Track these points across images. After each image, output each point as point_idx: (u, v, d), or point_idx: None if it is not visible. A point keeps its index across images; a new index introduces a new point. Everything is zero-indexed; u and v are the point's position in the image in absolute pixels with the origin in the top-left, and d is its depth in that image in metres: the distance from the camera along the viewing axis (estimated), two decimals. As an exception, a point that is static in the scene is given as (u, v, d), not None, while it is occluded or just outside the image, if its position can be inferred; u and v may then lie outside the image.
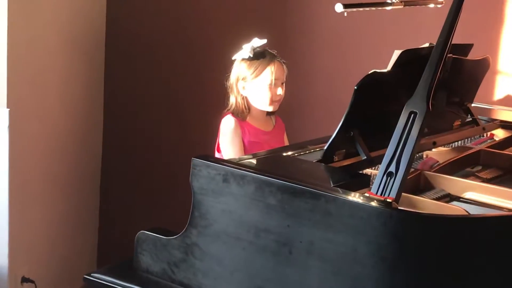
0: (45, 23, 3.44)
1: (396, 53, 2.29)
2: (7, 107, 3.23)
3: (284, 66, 2.75)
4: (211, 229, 2.03)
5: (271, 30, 3.64)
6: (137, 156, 4.07)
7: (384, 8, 2.56)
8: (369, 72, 2.19)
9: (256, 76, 2.71)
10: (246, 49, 2.71)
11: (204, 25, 3.78)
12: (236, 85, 2.74)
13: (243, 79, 2.73)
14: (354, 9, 2.41)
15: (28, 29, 3.31)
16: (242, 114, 2.74)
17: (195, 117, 3.81)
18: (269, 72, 2.70)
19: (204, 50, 3.65)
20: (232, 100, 2.75)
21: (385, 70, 2.26)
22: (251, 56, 2.71)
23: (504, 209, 2.12)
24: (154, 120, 4.00)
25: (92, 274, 2.26)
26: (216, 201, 2.02)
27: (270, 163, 2.21)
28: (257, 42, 2.72)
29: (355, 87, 2.15)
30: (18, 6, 3.21)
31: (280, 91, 2.72)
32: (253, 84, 2.72)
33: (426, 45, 2.46)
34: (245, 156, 2.28)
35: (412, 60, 2.29)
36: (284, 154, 2.31)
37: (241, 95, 2.74)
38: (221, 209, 2.01)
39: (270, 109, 2.75)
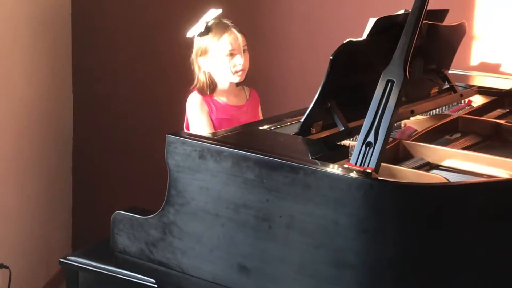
0: (7, 5, 3.36)
1: (371, 21, 2.25)
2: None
3: (240, 35, 2.68)
4: (189, 206, 2.00)
5: (242, 1, 3.60)
6: (109, 135, 4.01)
7: (357, -25, 2.53)
8: (345, 41, 2.15)
9: (213, 48, 2.66)
10: (200, 24, 2.67)
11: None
12: (197, 61, 2.70)
13: (201, 54, 2.69)
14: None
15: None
16: (209, 89, 2.69)
17: (167, 93, 3.76)
18: (225, 42, 2.65)
19: (171, 25, 3.58)
20: (198, 77, 2.71)
21: (360, 39, 2.23)
22: (204, 30, 2.67)
23: (484, 176, 2.11)
24: (125, 98, 3.94)
25: (68, 258, 2.23)
26: (193, 178, 1.98)
27: (247, 138, 2.17)
28: (211, 14, 2.67)
29: (331, 57, 2.11)
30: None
31: (239, 60, 2.67)
32: (212, 58, 2.68)
33: (401, 11, 2.42)
34: (221, 131, 2.24)
35: (387, 28, 2.26)
36: (261, 128, 2.27)
37: (203, 71, 2.70)
38: (199, 186, 1.97)
39: (234, 79, 2.70)
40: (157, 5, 3.78)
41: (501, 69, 3.22)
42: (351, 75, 2.23)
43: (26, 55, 3.54)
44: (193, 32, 2.69)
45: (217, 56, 2.66)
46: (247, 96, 2.80)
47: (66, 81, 3.89)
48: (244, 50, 2.68)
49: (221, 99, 2.71)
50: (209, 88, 2.69)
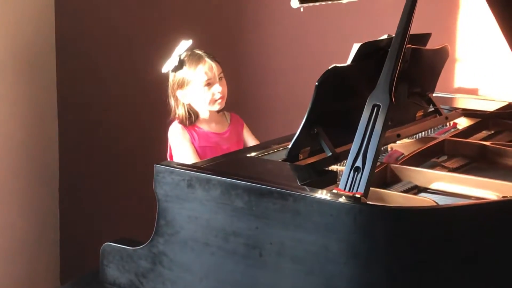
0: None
1: (355, 47, 2.27)
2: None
3: (214, 63, 2.70)
4: (178, 236, 1.99)
5: (226, 29, 3.62)
6: (96, 166, 4.00)
7: (340, 1, 2.55)
8: (330, 67, 2.16)
9: (190, 81, 2.68)
10: (173, 58, 2.69)
11: (157, 25, 3.73)
12: (175, 94, 2.71)
13: (178, 87, 2.70)
14: (311, 4, 2.38)
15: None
16: (189, 121, 2.71)
17: (153, 123, 3.75)
18: (201, 73, 2.67)
19: (154, 57, 3.60)
20: (177, 110, 2.72)
21: (345, 64, 2.24)
22: (178, 64, 2.69)
23: (472, 198, 2.11)
24: (111, 131, 3.94)
25: (57, 291, 2.20)
26: (181, 207, 1.97)
27: (235, 166, 2.17)
28: (182, 46, 2.69)
29: (316, 83, 2.12)
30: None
31: (217, 88, 2.68)
32: (190, 89, 2.69)
33: (385, 36, 2.44)
34: (209, 160, 2.24)
35: (371, 53, 2.27)
36: (248, 155, 2.27)
37: (183, 103, 2.70)
38: (187, 215, 1.97)
39: (214, 108, 2.71)
40: (139, 38, 3.80)
41: (485, 91, 3.24)
42: (337, 100, 2.24)
43: (9, 86, 3.53)
44: (167, 67, 2.70)
45: (195, 88, 2.68)
46: (228, 121, 2.81)
47: (51, 114, 3.88)
48: (220, 78, 2.70)
49: (203, 127, 2.72)
50: (189, 120, 2.70)
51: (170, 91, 2.73)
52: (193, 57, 2.69)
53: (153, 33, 3.73)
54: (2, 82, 3.47)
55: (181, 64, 2.69)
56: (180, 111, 2.71)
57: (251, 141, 2.82)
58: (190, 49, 2.71)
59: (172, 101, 2.74)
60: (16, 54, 3.55)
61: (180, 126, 2.70)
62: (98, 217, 4.03)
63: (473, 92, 3.26)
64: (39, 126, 3.78)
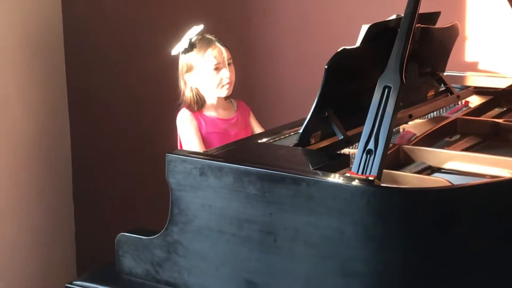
0: (0, 32, 3.36)
1: (364, 28, 2.25)
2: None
3: (224, 48, 2.69)
4: (192, 225, 1.98)
5: (234, 13, 3.60)
6: (108, 157, 4.01)
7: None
8: (339, 50, 2.15)
9: (198, 64, 2.68)
10: (183, 41, 2.69)
11: (164, 14, 3.72)
12: (183, 78, 2.72)
13: (187, 70, 2.70)
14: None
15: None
16: (196, 105, 2.70)
17: (164, 111, 3.75)
18: (210, 57, 2.67)
19: (161, 44, 3.59)
20: (184, 93, 2.72)
21: (354, 46, 2.22)
22: (188, 46, 2.68)
23: (486, 176, 2.10)
24: (122, 120, 3.94)
25: (73, 282, 2.21)
26: (195, 196, 1.97)
27: (247, 152, 2.16)
28: (193, 31, 2.70)
29: (326, 66, 2.11)
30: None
31: (225, 73, 2.68)
32: (198, 73, 2.69)
33: (394, 16, 2.42)
34: (220, 147, 2.24)
35: (380, 34, 2.25)
36: (260, 141, 2.26)
37: (191, 87, 2.70)
38: (201, 203, 1.96)
39: (221, 94, 2.71)
40: (146, 24, 3.79)
41: (496, 68, 3.22)
42: (347, 83, 2.23)
43: (20, 83, 3.54)
44: (177, 49, 2.70)
45: (203, 71, 2.67)
46: (236, 108, 2.81)
47: (62, 106, 3.88)
48: (229, 64, 2.70)
49: (210, 113, 2.72)
50: (197, 104, 2.70)
51: (179, 74, 2.73)
52: (203, 41, 2.69)
53: (163, 20, 3.72)
54: (12, 74, 3.48)
55: (191, 47, 2.69)
56: (188, 95, 2.71)
57: (257, 129, 2.82)
58: (201, 34, 2.71)
59: (181, 84, 2.74)
60: (24, 45, 3.55)
61: (188, 113, 2.69)
62: (112, 208, 4.04)
63: (484, 69, 3.23)
64: (50, 119, 3.78)
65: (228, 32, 2.89)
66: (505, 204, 1.82)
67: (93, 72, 3.95)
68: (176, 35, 2.73)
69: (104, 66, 3.93)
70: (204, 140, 2.67)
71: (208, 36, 2.71)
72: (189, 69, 2.70)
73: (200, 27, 2.69)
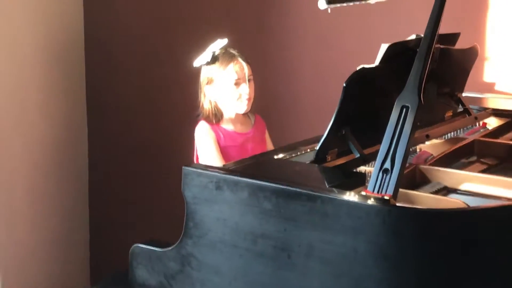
0: (21, 38, 3.40)
1: (383, 47, 2.25)
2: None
3: (245, 64, 2.71)
4: (207, 238, 1.99)
5: (255, 27, 3.62)
6: (125, 167, 4.02)
7: (368, 2, 2.53)
8: (357, 68, 2.15)
9: (219, 78, 2.69)
10: (206, 53, 2.71)
11: (186, 26, 3.74)
12: (203, 90, 2.73)
13: (208, 83, 2.72)
14: (338, 5, 2.37)
15: (4, 46, 3.26)
16: (215, 118, 2.72)
17: (181, 123, 3.77)
18: (231, 72, 2.68)
19: (181, 55, 3.61)
20: (202, 105, 2.74)
21: (373, 65, 2.23)
22: (210, 60, 2.70)
23: (503, 199, 2.09)
24: (140, 129, 3.96)
25: (87, 292, 2.22)
26: (210, 209, 1.97)
27: (263, 167, 2.17)
28: (217, 44, 2.71)
29: (344, 84, 2.11)
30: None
31: (245, 89, 2.69)
32: (218, 87, 2.71)
33: (413, 36, 2.42)
34: (236, 162, 2.24)
35: (399, 53, 2.26)
36: (276, 157, 2.26)
37: (210, 99, 2.72)
38: (216, 217, 1.97)
39: (240, 109, 2.72)
40: (167, 36, 3.81)
41: (515, 90, 3.21)
42: (365, 101, 2.23)
43: (40, 89, 3.57)
44: (199, 61, 2.73)
45: (223, 85, 2.69)
46: (252, 123, 2.82)
47: (81, 113, 3.91)
48: (249, 80, 2.71)
49: (227, 126, 2.73)
50: (215, 117, 2.72)
51: (199, 85, 2.75)
52: (226, 55, 2.71)
53: (185, 31, 3.74)
54: (32, 78, 3.51)
55: (213, 60, 2.71)
56: (206, 107, 2.73)
57: (269, 144, 2.83)
58: (225, 48, 2.73)
59: (201, 96, 2.76)
60: (45, 50, 3.59)
61: (207, 125, 2.71)
62: (127, 218, 4.05)
63: (503, 91, 3.22)
64: (68, 126, 3.81)
65: (248, 47, 2.90)
66: (521, 227, 1.82)
67: (112, 79, 3.97)
68: (197, 47, 2.75)
69: (124, 74, 3.95)
70: (222, 153, 2.68)
71: (232, 51, 2.73)
72: (210, 81, 2.72)
73: (225, 41, 2.72)
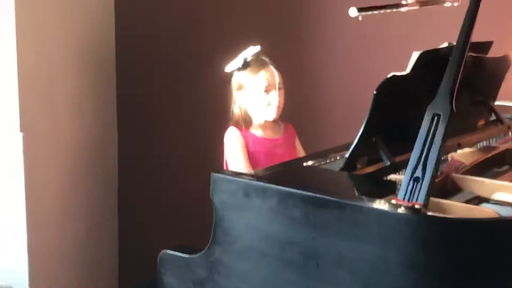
0: (53, 41, 3.43)
1: (415, 55, 2.24)
2: (21, 131, 3.21)
3: (276, 72, 2.71)
4: (235, 245, 1.99)
5: (287, 35, 3.62)
6: (154, 172, 4.04)
7: (399, 9, 2.52)
8: (388, 76, 2.14)
9: (249, 84, 2.70)
10: (238, 59, 2.72)
11: (218, 33, 3.75)
12: (234, 95, 2.74)
13: (238, 88, 2.73)
14: (369, 13, 2.36)
15: (36, 50, 3.30)
16: (244, 124, 2.72)
17: (211, 128, 3.77)
18: (261, 79, 2.69)
19: (212, 60, 3.63)
20: (233, 111, 2.75)
21: (404, 73, 2.21)
22: (242, 66, 2.71)
23: (536, 209, 2.06)
24: (169, 134, 3.97)
25: (115, 298, 2.22)
26: (238, 216, 1.97)
27: (292, 175, 2.16)
28: (249, 51, 2.72)
29: (375, 92, 2.10)
30: (25, 24, 3.20)
31: (275, 96, 2.69)
32: (248, 93, 2.72)
33: (445, 44, 2.40)
34: (265, 169, 2.24)
35: (431, 61, 2.23)
36: (305, 164, 2.25)
37: (240, 105, 2.72)
38: (244, 224, 1.96)
39: (268, 116, 2.72)
40: (199, 41, 3.82)
41: (549, 99, 3.16)
42: (395, 109, 2.21)
43: (71, 95, 3.60)
44: (231, 67, 2.74)
45: (253, 92, 2.70)
46: (282, 130, 2.81)
47: (111, 118, 3.93)
48: (279, 88, 2.71)
49: (257, 132, 2.74)
50: (245, 123, 2.73)
51: (231, 90, 2.77)
52: (257, 62, 2.72)
53: (216, 36, 3.75)
54: (64, 85, 3.54)
55: (245, 66, 2.72)
56: (236, 112, 2.74)
57: (301, 153, 2.82)
58: (257, 55, 2.74)
59: (231, 102, 2.77)
60: (77, 57, 3.62)
61: (236, 131, 2.72)
62: (156, 224, 4.06)
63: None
64: (99, 131, 3.83)
65: (279, 55, 2.90)
66: (555, 238, 1.79)
67: (142, 84, 3.99)
68: (229, 53, 2.76)
69: (154, 79, 3.97)
70: (250, 158, 2.68)
71: (263, 58, 2.74)
72: (240, 87, 2.73)
73: (257, 48, 2.72)
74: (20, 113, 3.20)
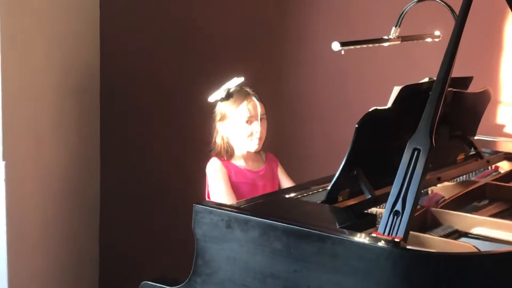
0: (36, 69, 3.44)
1: (396, 89, 2.27)
2: (3, 160, 3.21)
3: (259, 103, 2.73)
4: (216, 276, 1.99)
5: (270, 67, 3.65)
6: (136, 203, 4.03)
7: (381, 44, 2.56)
8: (370, 110, 2.16)
9: (232, 115, 2.71)
10: (221, 90, 2.73)
11: (202, 63, 3.77)
12: (216, 126, 2.75)
13: (221, 119, 2.74)
14: (351, 47, 2.40)
15: (19, 77, 3.30)
16: (226, 154, 2.73)
17: (193, 160, 3.78)
18: (244, 109, 2.70)
19: (195, 91, 3.64)
20: (215, 141, 2.76)
21: (386, 107, 2.24)
22: (225, 96, 2.73)
23: (514, 244, 2.08)
24: (153, 165, 3.97)
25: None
26: (220, 247, 1.97)
27: (274, 207, 2.17)
28: (233, 82, 2.74)
29: (356, 125, 2.12)
30: (9, 51, 3.20)
31: (257, 127, 2.71)
32: (230, 123, 2.73)
33: (426, 79, 2.44)
34: (247, 200, 2.25)
35: (412, 96, 2.26)
36: (287, 196, 2.27)
37: (222, 136, 2.74)
38: (226, 256, 1.97)
39: (250, 147, 2.73)
40: (181, 72, 3.85)
41: (528, 134, 3.21)
42: (377, 142, 2.24)
43: (54, 124, 3.59)
44: (214, 97, 2.75)
45: (235, 122, 2.71)
46: (264, 160, 2.82)
47: (94, 147, 3.93)
48: (262, 119, 2.73)
49: (239, 163, 2.74)
50: (227, 153, 2.73)
51: (214, 121, 2.78)
52: (240, 93, 2.74)
53: (200, 66, 3.78)
54: (48, 113, 3.54)
55: (228, 97, 2.73)
56: (218, 142, 2.74)
57: (285, 180, 2.83)
58: (240, 86, 2.75)
59: (214, 132, 2.78)
60: (62, 85, 3.62)
61: (218, 161, 2.72)
62: (137, 254, 4.05)
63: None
64: (82, 159, 3.83)
65: (262, 87, 2.93)
66: (532, 273, 1.80)
67: (126, 115, 4.00)
68: (213, 84, 2.78)
69: (137, 109, 3.98)
70: (233, 189, 2.68)
71: (246, 89, 2.76)
72: (223, 118, 2.74)
73: (241, 79, 2.74)
74: (2, 141, 3.20)
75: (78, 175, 3.81)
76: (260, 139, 2.72)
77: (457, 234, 2.14)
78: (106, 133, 3.99)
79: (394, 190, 1.89)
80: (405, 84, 2.28)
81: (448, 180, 2.58)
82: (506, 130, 3.24)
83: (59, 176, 3.65)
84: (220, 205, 2.08)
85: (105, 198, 4.04)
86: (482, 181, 2.55)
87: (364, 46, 2.46)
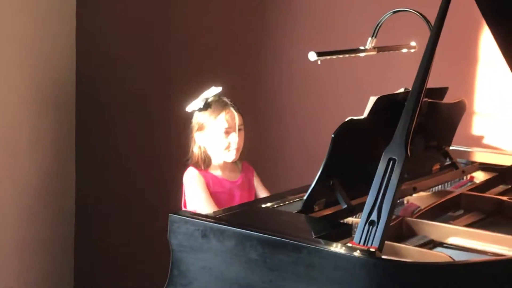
0: (12, 81, 3.42)
1: (372, 100, 2.28)
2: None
3: (237, 114, 2.73)
4: (191, 287, 1.98)
5: (247, 77, 3.65)
6: (111, 214, 4.01)
7: (357, 55, 2.57)
8: (346, 120, 2.17)
9: (210, 125, 2.71)
10: (199, 100, 2.73)
11: (180, 71, 3.77)
12: (194, 136, 2.75)
13: (198, 129, 2.74)
14: (328, 57, 2.41)
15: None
16: (203, 164, 2.73)
17: (168, 170, 3.77)
18: (222, 120, 2.70)
19: (173, 101, 3.63)
20: (192, 151, 2.75)
21: (361, 117, 2.25)
22: (203, 106, 2.72)
23: (489, 253, 2.09)
24: (129, 175, 3.96)
25: None
26: (195, 257, 1.97)
27: (250, 216, 2.17)
28: (211, 91, 2.73)
29: (332, 136, 2.13)
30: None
31: (234, 138, 2.71)
32: (208, 134, 2.73)
33: (402, 90, 2.45)
34: (224, 210, 2.24)
35: (388, 106, 2.28)
36: (264, 206, 2.26)
37: (199, 145, 2.73)
38: (201, 266, 1.96)
39: (228, 158, 2.73)
40: (158, 82, 3.84)
41: (502, 145, 3.23)
42: (353, 152, 2.24)
43: (30, 137, 3.57)
44: (192, 107, 2.74)
45: (212, 133, 2.71)
46: (240, 169, 2.82)
47: (69, 160, 3.91)
48: (239, 129, 2.72)
49: (216, 172, 2.74)
50: (204, 163, 2.72)
51: (190, 131, 2.77)
52: (218, 103, 2.73)
53: (178, 75, 3.77)
54: (24, 126, 3.52)
55: (205, 107, 2.73)
56: (196, 152, 2.74)
57: (260, 189, 2.83)
58: (218, 96, 2.75)
59: (191, 142, 2.77)
60: (38, 98, 3.60)
61: (195, 171, 2.71)
62: (113, 264, 4.02)
63: (490, 145, 3.25)
64: (57, 170, 3.81)
65: (240, 97, 2.93)
66: (506, 283, 1.81)
67: (102, 124, 3.98)
68: (190, 93, 2.77)
69: (114, 118, 3.97)
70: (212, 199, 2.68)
71: (224, 99, 2.75)
72: (200, 128, 2.73)
73: (219, 89, 2.74)
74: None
75: (54, 188, 3.78)
76: (237, 149, 2.72)
77: (432, 244, 2.15)
78: (81, 145, 3.97)
79: (369, 199, 1.89)
80: (381, 95, 2.29)
81: (423, 190, 2.59)
82: (481, 140, 3.27)
83: (35, 188, 3.62)
84: (195, 215, 2.07)
85: (80, 210, 4.01)
86: (457, 191, 2.56)
87: (341, 56, 2.47)
